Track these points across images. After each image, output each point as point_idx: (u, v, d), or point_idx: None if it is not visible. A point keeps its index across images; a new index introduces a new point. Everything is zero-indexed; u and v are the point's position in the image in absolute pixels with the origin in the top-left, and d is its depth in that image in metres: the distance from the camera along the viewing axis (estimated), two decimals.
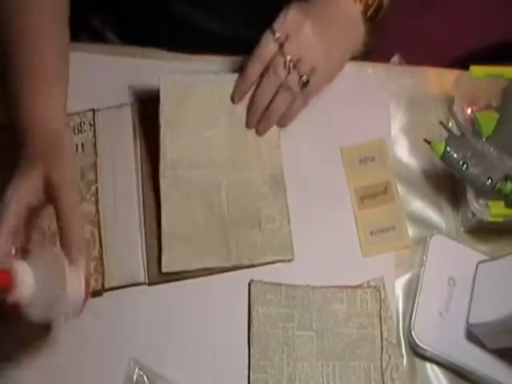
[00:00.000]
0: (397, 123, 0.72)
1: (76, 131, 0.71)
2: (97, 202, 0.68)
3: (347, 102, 0.72)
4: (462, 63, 0.69)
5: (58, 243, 0.61)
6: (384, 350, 0.63)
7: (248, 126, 0.69)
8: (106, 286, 0.65)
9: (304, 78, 0.65)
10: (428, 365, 0.64)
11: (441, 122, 0.65)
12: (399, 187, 0.69)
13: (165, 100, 0.67)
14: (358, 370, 0.62)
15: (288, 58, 0.64)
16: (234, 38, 0.72)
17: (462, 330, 0.62)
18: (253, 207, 0.67)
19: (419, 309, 0.63)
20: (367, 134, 0.71)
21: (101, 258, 0.65)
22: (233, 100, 0.68)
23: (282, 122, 0.69)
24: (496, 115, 0.66)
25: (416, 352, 0.63)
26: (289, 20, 0.65)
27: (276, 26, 0.65)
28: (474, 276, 0.63)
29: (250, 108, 0.68)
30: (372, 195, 0.69)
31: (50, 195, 0.57)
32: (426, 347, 0.62)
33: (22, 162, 0.57)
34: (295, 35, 0.64)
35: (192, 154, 0.67)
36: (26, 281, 0.52)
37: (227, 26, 0.76)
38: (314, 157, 0.70)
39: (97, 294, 0.65)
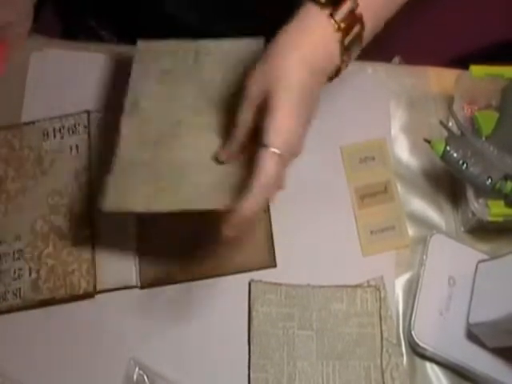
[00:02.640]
0: (397, 122, 0.72)
1: (70, 132, 0.71)
2: (90, 203, 0.68)
3: (347, 101, 0.72)
4: (462, 63, 0.69)
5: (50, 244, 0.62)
6: (384, 350, 0.63)
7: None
8: (98, 289, 0.65)
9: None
10: (428, 364, 0.64)
11: (441, 122, 0.65)
12: (399, 186, 0.70)
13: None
14: (358, 370, 0.62)
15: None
16: (208, 31, 0.70)
17: (462, 330, 0.62)
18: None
19: (419, 308, 0.63)
20: (367, 133, 0.71)
21: (93, 260, 0.66)
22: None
23: None
24: (496, 115, 0.66)
25: (416, 351, 0.63)
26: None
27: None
28: (474, 275, 0.63)
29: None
30: (372, 194, 0.69)
31: None
32: (426, 346, 0.62)
33: None
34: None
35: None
36: None
37: (222, 28, 0.75)
38: (314, 156, 0.70)
39: (88, 295, 0.65)
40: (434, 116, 0.72)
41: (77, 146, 0.70)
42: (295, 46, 0.57)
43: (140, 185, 0.56)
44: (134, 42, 0.74)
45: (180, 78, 0.62)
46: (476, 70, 0.67)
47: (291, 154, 0.56)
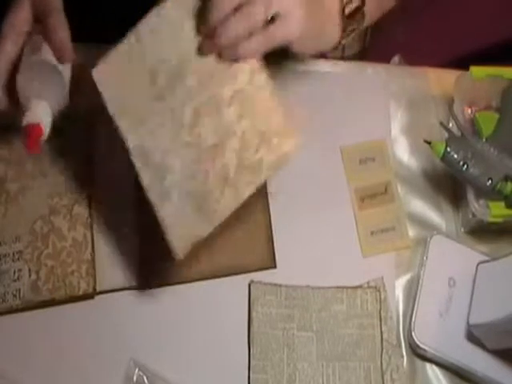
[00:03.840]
0: (397, 123, 0.72)
1: (70, 132, 0.70)
2: (90, 204, 0.68)
3: (347, 102, 0.72)
4: (462, 64, 0.69)
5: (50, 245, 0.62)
6: (384, 351, 0.63)
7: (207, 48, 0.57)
8: (98, 290, 0.65)
9: (269, 15, 0.56)
10: (428, 365, 0.64)
11: (441, 123, 0.65)
12: (399, 187, 0.69)
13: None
14: (358, 371, 0.62)
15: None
16: None
17: (462, 331, 0.62)
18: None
19: (419, 309, 0.63)
20: (367, 134, 0.71)
21: (93, 260, 0.66)
22: (199, 29, 0.57)
23: (234, 50, 0.57)
24: (496, 116, 0.66)
25: (416, 352, 0.63)
26: None
27: None
28: (475, 276, 0.63)
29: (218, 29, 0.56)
30: (372, 195, 0.69)
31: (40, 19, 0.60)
32: (426, 348, 0.62)
33: None
34: None
35: None
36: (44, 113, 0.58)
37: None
38: (314, 157, 0.70)
39: (88, 296, 0.65)
40: (434, 117, 0.72)
41: (77, 147, 0.70)
42: None
43: (190, 215, 0.57)
44: None
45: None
46: (476, 70, 0.67)
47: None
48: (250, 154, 0.57)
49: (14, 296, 0.65)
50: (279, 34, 0.57)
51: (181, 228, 0.57)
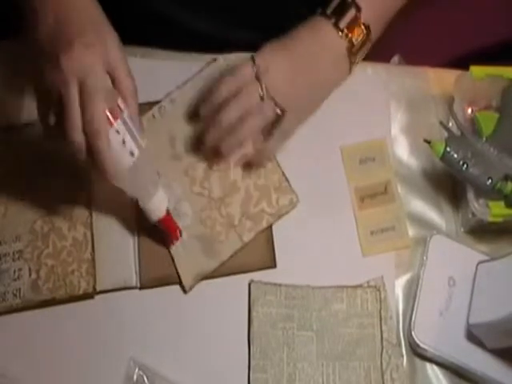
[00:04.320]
0: (397, 123, 0.72)
1: None
2: (90, 204, 0.68)
3: (347, 101, 0.72)
4: (462, 63, 0.69)
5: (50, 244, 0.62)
6: (384, 350, 0.63)
7: (207, 141, 0.65)
8: (98, 289, 0.65)
9: (279, 111, 0.63)
10: (428, 365, 0.64)
11: (441, 122, 0.65)
12: (399, 187, 0.69)
13: None
14: (358, 370, 0.62)
15: (264, 85, 0.62)
16: (221, 39, 0.71)
17: (462, 330, 0.62)
18: None
19: (419, 309, 0.63)
20: (367, 133, 0.71)
21: (93, 260, 0.66)
22: (197, 114, 0.67)
23: (256, 158, 0.66)
24: (496, 115, 0.66)
25: (416, 352, 0.63)
26: (273, 54, 0.64)
27: (258, 56, 0.64)
28: (474, 276, 0.63)
29: (209, 125, 0.64)
30: (372, 195, 0.69)
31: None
32: (426, 347, 0.62)
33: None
34: (276, 70, 0.63)
35: None
36: None
37: (214, 26, 0.76)
38: (314, 156, 0.70)
39: (88, 296, 0.65)
40: (434, 117, 0.72)
41: None
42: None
43: (197, 254, 0.66)
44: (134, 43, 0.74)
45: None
46: (476, 70, 0.67)
47: (281, 98, 0.63)
48: (251, 206, 0.67)
49: (14, 295, 0.65)
50: (286, 131, 0.66)
51: (189, 265, 0.65)
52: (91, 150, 0.54)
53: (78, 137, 0.53)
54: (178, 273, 0.65)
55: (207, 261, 0.65)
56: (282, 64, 0.64)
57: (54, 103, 0.53)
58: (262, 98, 0.63)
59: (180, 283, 0.65)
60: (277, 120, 0.64)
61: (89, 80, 0.52)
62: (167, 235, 0.64)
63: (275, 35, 0.66)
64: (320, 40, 0.66)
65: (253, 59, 0.64)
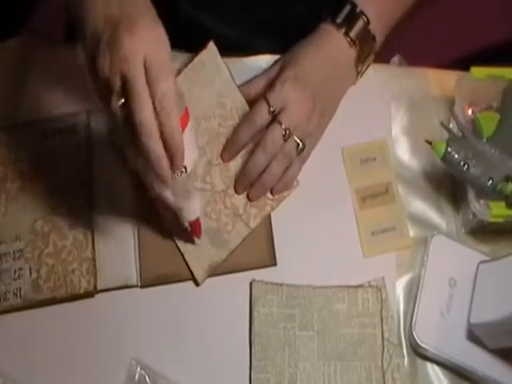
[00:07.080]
0: (398, 124, 0.72)
1: (71, 132, 0.70)
2: (90, 203, 0.68)
3: (348, 102, 0.72)
4: (463, 64, 0.69)
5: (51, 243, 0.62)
6: (385, 350, 0.63)
7: (238, 190, 0.67)
8: (98, 288, 0.65)
9: (301, 145, 0.65)
10: (429, 365, 0.64)
11: (442, 123, 0.65)
12: (400, 188, 0.70)
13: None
14: (360, 370, 0.62)
15: (284, 126, 0.63)
16: (240, 43, 0.72)
17: (463, 330, 0.62)
18: None
19: (420, 309, 0.63)
20: (368, 134, 0.71)
21: (93, 259, 0.65)
22: (222, 159, 0.68)
23: (279, 188, 0.68)
24: (497, 116, 0.67)
25: (417, 352, 0.64)
26: (285, 90, 0.64)
27: (271, 96, 0.64)
28: (475, 276, 0.64)
29: (241, 174, 0.67)
30: (373, 195, 0.69)
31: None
32: (427, 347, 0.62)
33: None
34: (292, 107, 0.63)
35: None
36: None
37: (233, 29, 0.76)
38: (315, 157, 0.70)
39: (89, 295, 0.65)
40: (435, 117, 0.72)
41: (77, 146, 0.70)
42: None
43: (206, 246, 0.66)
44: None
45: None
46: (477, 71, 0.67)
47: (301, 131, 0.64)
48: None
49: (15, 295, 0.65)
50: (309, 153, 0.68)
51: (199, 258, 0.66)
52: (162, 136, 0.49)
53: (147, 114, 0.48)
54: (189, 268, 0.65)
55: (216, 252, 0.66)
56: (296, 98, 0.64)
57: (117, 88, 0.49)
58: (284, 140, 0.63)
59: (192, 278, 0.65)
60: (298, 153, 0.65)
61: (156, 55, 0.49)
62: (191, 234, 0.64)
63: (294, 40, 0.68)
64: (330, 55, 0.67)
65: (266, 99, 0.64)
